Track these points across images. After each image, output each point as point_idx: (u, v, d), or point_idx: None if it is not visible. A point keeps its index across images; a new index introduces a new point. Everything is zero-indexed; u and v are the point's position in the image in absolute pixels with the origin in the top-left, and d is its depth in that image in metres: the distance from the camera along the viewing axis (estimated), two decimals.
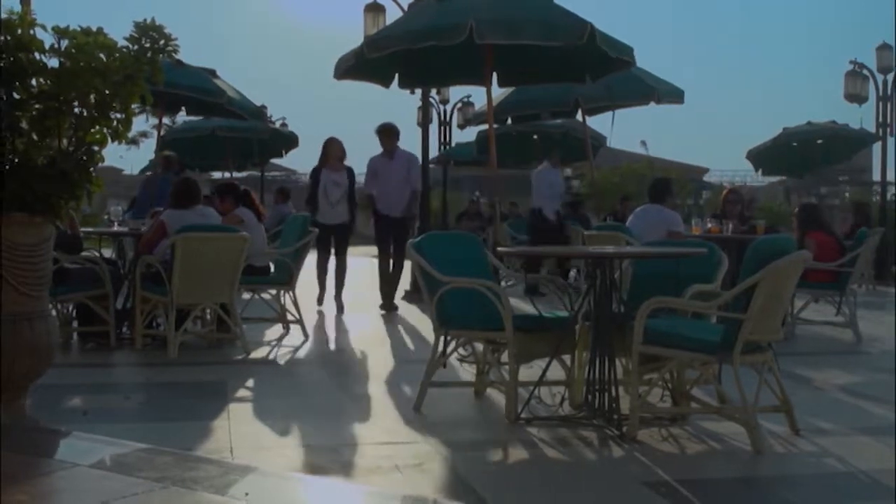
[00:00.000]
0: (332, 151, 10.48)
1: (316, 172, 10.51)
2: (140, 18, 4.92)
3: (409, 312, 10.21)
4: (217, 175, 25.71)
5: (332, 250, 10.44)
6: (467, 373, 6.37)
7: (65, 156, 4.77)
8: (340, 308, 10.28)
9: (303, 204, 11.13)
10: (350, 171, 10.57)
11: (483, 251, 6.11)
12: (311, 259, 9.24)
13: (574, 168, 29.74)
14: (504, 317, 5.12)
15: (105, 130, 4.88)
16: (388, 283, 10.61)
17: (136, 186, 13.84)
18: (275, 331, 8.63)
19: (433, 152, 22.07)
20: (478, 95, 27.05)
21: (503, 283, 6.59)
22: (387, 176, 10.65)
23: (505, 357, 5.38)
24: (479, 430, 5.18)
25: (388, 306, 10.44)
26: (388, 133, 10.77)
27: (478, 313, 5.30)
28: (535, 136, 17.84)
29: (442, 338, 5.47)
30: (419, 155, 12.06)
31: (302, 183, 42.34)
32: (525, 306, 5.56)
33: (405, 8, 12.69)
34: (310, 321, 8.54)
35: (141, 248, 7.82)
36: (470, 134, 21.79)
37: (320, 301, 10.49)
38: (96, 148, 4.89)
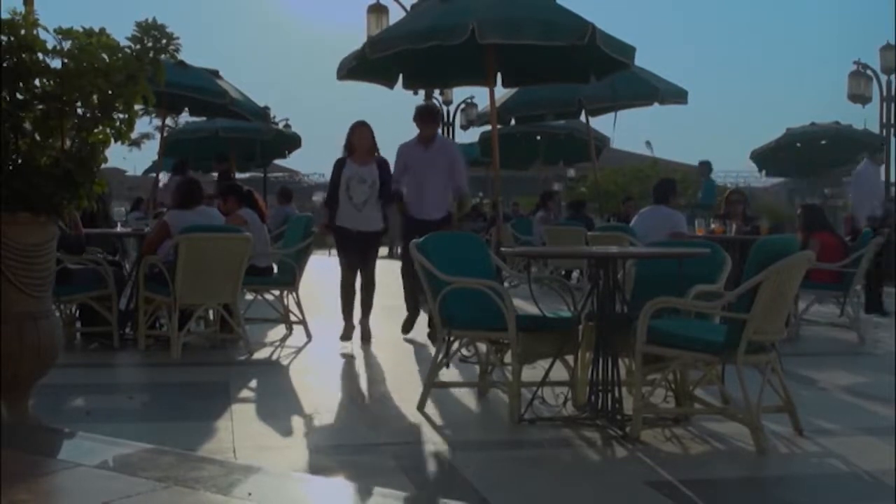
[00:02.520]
0: (360, 141, 8.25)
1: (338, 165, 8.29)
2: (142, 19, 4.93)
3: None
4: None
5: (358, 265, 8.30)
6: (470, 373, 6.37)
7: (68, 156, 4.77)
8: (367, 335, 8.26)
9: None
10: (382, 164, 8.30)
11: (486, 251, 6.11)
12: (312, 262, 9.18)
13: (577, 169, 29.81)
14: (507, 317, 5.12)
15: (108, 130, 4.89)
16: (415, 303, 8.44)
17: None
18: (278, 331, 8.63)
19: None
20: (481, 96, 27.06)
21: (506, 284, 6.58)
22: (421, 169, 8.48)
23: (508, 357, 5.38)
24: (482, 430, 5.18)
25: (409, 328, 8.51)
26: (428, 116, 8.65)
27: (481, 313, 5.30)
28: (539, 137, 17.82)
29: (445, 338, 5.47)
30: None
31: (305, 184, 42.29)
32: (528, 306, 5.54)
33: (408, 8, 12.71)
34: (313, 322, 8.53)
35: (144, 248, 7.82)
36: (473, 135, 21.86)
37: (347, 336, 8.18)
38: (99, 148, 4.90)
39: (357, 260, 8.28)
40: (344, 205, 8.17)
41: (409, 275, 8.15)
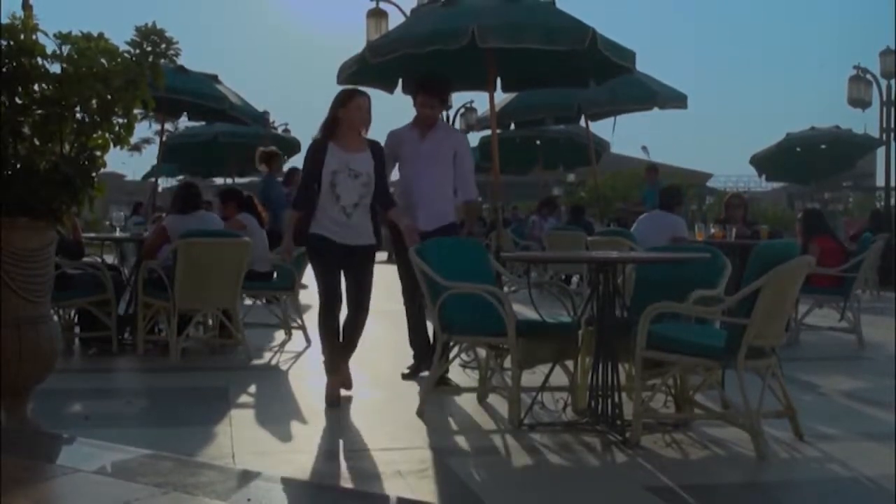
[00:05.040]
0: (356, 117, 5.81)
1: (318, 150, 5.79)
2: (142, 23, 4.93)
3: None
4: (219, 181, 25.81)
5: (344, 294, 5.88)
6: (470, 378, 6.35)
7: (67, 161, 4.77)
8: (346, 381, 5.97)
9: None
10: (378, 150, 5.93)
11: (486, 256, 6.10)
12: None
13: (577, 174, 29.82)
14: (507, 322, 5.11)
15: (107, 135, 4.89)
16: (423, 339, 6.66)
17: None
18: (277, 337, 8.62)
19: None
20: (480, 101, 27.10)
21: (505, 289, 6.56)
22: (416, 163, 6.55)
23: (508, 362, 5.37)
24: (481, 435, 5.16)
25: (419, 367, 6.55)
26: (432, 87, 6.63)
27: (480, 318, 5.29)
28: (538, 142, 17.86)
29: (444, 343, 5.46)
30: None
31: None
32: (528, 311, 5.54)
33: (408, 13, 12.71)
34: (312, 327, 8.52)
35: (144, 253, 7.82)
36: (473, 139, 21.80)
37: (334, 398, 5.77)
38: (98, 153, 4.90)
39: (339, 287, 5.86)
40: (327, 208, 5.78)
41: (415, 321, 6.67)
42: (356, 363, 6.33)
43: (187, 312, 7.43)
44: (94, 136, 4.86)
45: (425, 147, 6.55)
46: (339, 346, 5.89)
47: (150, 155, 27.91)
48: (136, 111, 5.02)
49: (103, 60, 4.77)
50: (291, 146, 18.18)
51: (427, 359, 6.19)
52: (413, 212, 6.49)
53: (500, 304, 5.17)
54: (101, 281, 7.54)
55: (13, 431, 4.53)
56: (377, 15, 16.64)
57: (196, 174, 19.89)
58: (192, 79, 11.62)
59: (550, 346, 5.29)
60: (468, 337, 5.50)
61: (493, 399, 5.80)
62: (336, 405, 5.72)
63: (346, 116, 5.80)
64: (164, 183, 24.33)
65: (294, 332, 8.55)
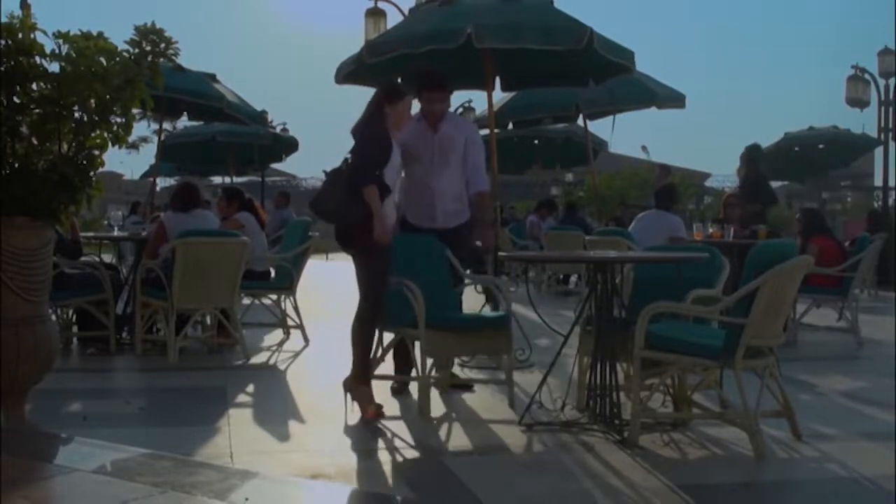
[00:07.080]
0: (411, 111, 5.82)
1: (388, 142, 5.45)
2: (140, 23, 4.93)
3: None
4: (217, 180, 25.83)
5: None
6: (468, 377, 6.35)
7: (65, 160, 4.77)
8: (365, 401, 5.46)
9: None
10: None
11: (443, 254, 6.07)
12: (310, 266, 9.09)
13: (575, 173, 29.85)
14: (418, 314, 5.32)
15: (105, 135, 4.89)
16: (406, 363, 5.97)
17: None
18: (275, 336, 8.62)
19: None
20: (479, 100, 27.13)
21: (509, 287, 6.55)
22: (431, 159, 6.16)
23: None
24: (479, 434, 5.16)
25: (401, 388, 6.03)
26: (434, 84, 6.16)
27: (405, 310, 5.43)
28: (537, 141, 17.85)
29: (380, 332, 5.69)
30: None
31: (302, 188, 41.95)
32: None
33: (406, 12, 12.71)
34: (310, 326, 8.52)
35: (146, 252, 7.81)
36: None
37: (377, 410, 5.42)
38: (97, 152, 4.90)
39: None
40: (388, 206, 5.47)
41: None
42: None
43: (185, 312, 7.42)
44: (93, 135, 4.86)
45: (438, 140, 6.13)
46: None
47: (149, 154, 27.89)
48: (134, 110, 5.02)
49: (102, 60, 4.77)
50: (290, 145, 18.17)
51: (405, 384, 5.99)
52: (430, 210, 6.22)
53: (412, 296, 5.34)
54: (99, 280, 7.53)
55: (11, 431, 4.52)
56: (375, 14, 16.60)
57: (194, 173, 19.91)
58: (190, 78, 11.61)
59: (463, 340, 5.60)
60: (395, 328, 5.67)
61: (492, 398, 5.80)
62: (383, 416, 5.33)
63: (395, 114, 5.51)
64: (162, 182, 24.31)
65: (292, 331, 8.55)
